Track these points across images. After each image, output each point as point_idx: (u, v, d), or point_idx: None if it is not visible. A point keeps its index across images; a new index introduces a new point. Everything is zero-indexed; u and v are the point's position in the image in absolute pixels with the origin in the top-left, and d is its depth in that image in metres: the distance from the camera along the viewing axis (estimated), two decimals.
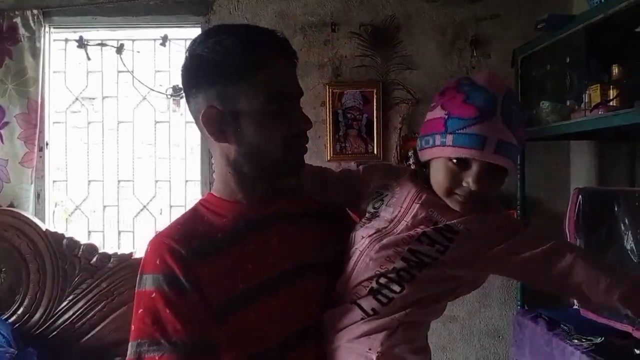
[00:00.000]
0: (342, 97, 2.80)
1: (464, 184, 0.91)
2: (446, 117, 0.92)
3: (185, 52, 1.00)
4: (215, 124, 0.97)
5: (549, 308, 2.38)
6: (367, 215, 1.02)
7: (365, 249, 0.96)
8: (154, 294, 0.91)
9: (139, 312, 0.92)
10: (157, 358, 0.88)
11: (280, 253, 1.00)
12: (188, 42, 1.02)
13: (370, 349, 0.92)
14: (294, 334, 0.98)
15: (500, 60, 2.71)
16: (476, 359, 2.79)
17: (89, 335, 2.64)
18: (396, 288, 0.92)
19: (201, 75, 0.97)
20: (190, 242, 0.95)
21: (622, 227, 1.95)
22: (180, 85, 1.06)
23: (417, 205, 0.96)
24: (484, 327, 2.78)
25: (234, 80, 0.95)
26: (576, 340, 1.95)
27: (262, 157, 0.99)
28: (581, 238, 2.23)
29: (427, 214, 0.95)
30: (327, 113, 2.79)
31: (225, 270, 0.95)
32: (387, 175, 1.06)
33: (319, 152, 2.80)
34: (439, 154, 0.94)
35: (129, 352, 0.91)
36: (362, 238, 0.98)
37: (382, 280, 0.93)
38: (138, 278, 0.95)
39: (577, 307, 2.24)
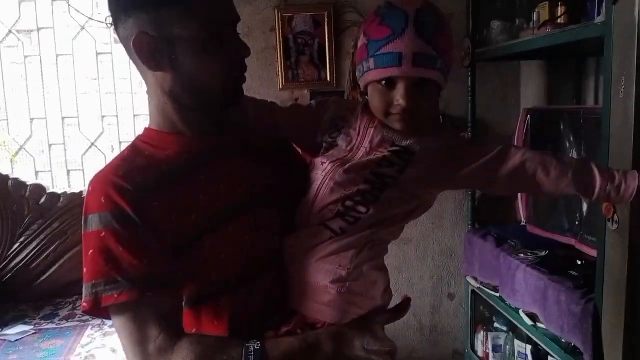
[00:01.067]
0: (292, 22, 2.70)
1: (395, 102, 0.94)
2: (367, 42, 0.95)
3: None
4: (148, 52, 0.91)
5: (498, 225, 2.47)
6: (325, 145, 1.04)
7: (328, 174, 0.98)
8: (103, 233, 0.88)
9: (90, 253, 0.89)
10: (116, 296, 0.85)
11: (231, 184, 0.99)
12: None
13: (340, 266, 0.96)
14: (255, 261, 0.99)
15: None
16: (430, 277, 2.89)
17: (45, 277, 2.61)
18: (362, 209, 0.96)
19: None
20: (135, 177, 0.91)
21: (567, 145, 2.00)
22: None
23: (372, 130, 0.99)
24: (437, 248, 2.87)
25: (168, 3, 0.89)
26: (522, 255, 2.04)
27: (200, 86, 0.95)
28: None
29: (383, 136, 0.98)
30: (277, 39, 2.68)
31: (176, 203, 0.92)
32: (341, 107, 1.07)
33: (271, 80, 2.72)
34: (369, 79, 0.97)
35: (84, 295, 0.88)
36: (323, 164, 1.00)
37: (348, 203, 0.96)
38: (83, 219, 0.91)
39: (524, 223, 2.33)
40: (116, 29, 0.95)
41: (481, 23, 2.45)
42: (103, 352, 2.10)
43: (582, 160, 0.99)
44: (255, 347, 0.88)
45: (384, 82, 0.94)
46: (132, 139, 1.04)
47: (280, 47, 2.69)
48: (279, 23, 2.67)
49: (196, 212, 0.93)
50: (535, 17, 1.93)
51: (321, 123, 1.07)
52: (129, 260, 0.87)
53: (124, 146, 1.06)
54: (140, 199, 0.89)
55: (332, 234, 0.97)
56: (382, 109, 0.97)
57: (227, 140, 1.03)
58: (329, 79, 2.73)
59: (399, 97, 0.93)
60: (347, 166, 0.97)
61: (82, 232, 0.91)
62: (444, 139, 1.00)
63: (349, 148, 1.00)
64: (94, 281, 0.87)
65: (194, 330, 0.95)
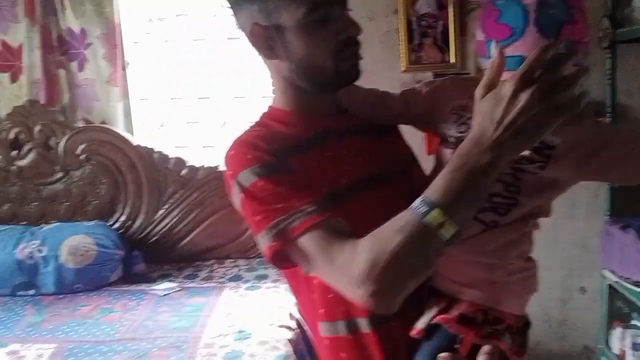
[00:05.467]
0: (416, 4, 2.68)
1: None
2: (485, 40, 0.90)
3: None
4: (263, 41, 0.97)
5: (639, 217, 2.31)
6: (451, 139, 1.00)
7: None
8: (261, 182, 0.90)
9: (254, 203, 0.90)
10: (301, 223, 0.86)
11: (354, 162, 1.03)
12: None
13: (501, 260, 0.96)
14: None
15: None
16: (559, 269, 2.76)
17: (186, 240, 2.85)
18: (510, 201, 0.94)
19: None
20: (273, 143, 0.96)
21: None
22: None
23: None
24: (568, 238, 2.73)
25: None
26: None
27: (314, 71, 0.98)
28: None
29: None
30: (400, 21, 2.68)
31: (308, 174, 0.96)
32: (460, 93, 1.00)
33: (393, 63, 2.72)
34: None
35: (264, 243, 0.89)
36: None
37: (495, 199, 0.94)
38: (233, 183, 0.93)
39: None
40: (236, 19, 1.01)
41: (622, 1, 2.30)
42: (241, 310, 2.25)
43: None
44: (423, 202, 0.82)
45: None
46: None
47: (403, 29, 2.68)
48: (402, 5, 2.67)
49: (325, 186, 0.96)
50: None
51: (441, 112, 1.02)
52: (297, 194, 0.89)
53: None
54: (281, 161, 0.94)
55: (483, 226, 0.95)
56: None
57: (345, 120, 1.07)
58: (453, 60, 2.68)
59: None
60: None
61: (238, 196, 0.93)
62: (585, 128, 0.93)
63: None
64: (274, 221, 0.88)
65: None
